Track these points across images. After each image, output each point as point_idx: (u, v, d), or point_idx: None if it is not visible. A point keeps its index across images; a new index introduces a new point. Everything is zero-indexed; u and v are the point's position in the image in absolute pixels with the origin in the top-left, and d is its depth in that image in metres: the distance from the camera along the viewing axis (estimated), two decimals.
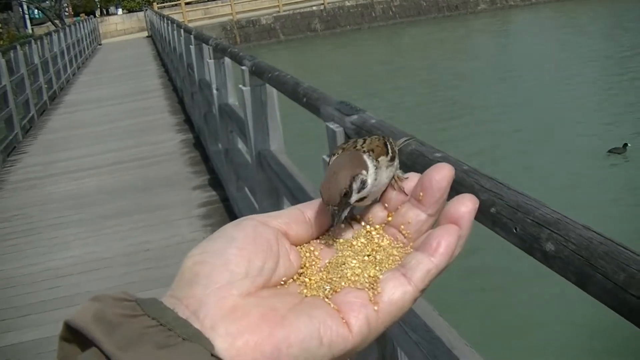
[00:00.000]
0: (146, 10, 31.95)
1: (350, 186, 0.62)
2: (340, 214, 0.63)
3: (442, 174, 0.59)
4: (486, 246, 5.28)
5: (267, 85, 3.72)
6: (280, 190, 3.70)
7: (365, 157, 0.65)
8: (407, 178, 0.65)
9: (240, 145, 5.58)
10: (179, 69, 10.83)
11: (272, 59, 20.33)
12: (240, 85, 4.11)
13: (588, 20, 23.19)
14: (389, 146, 0.69)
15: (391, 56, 20.71)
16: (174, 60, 11.83)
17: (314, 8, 29.35)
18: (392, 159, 0.68)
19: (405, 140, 0.83)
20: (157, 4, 33.09)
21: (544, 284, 5.35)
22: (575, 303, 4.72)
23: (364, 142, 0.67)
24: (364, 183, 0.63)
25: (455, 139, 10.56)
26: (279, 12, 29.46)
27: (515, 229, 1.13)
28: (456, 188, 1.36)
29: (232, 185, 5.62)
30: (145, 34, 31.47)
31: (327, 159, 0.70)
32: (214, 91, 5.91)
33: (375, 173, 0.65)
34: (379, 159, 0.65)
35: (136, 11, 37.83)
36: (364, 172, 0.63)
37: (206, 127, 7.24)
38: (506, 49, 19.98)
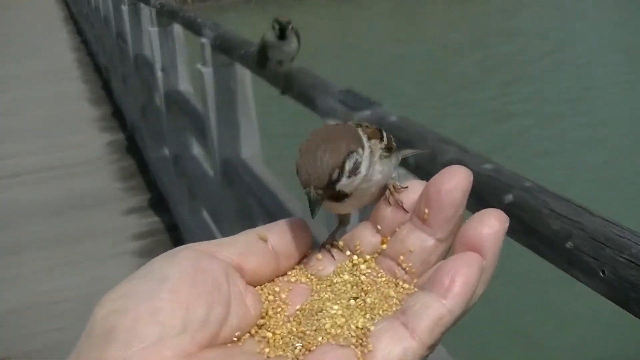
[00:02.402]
0: None
1: (344, 164, 0.65)
2: (320, 202, 0.65)
3: (454, 182, 0.61)
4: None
5: (238, 65, 3.77)
6: (255, 214, 3.74)
7: (360, 132, 0.68)
8: (406, 188, 0.68)
9: (197, 150, 5.62)
10: (103, 39, 10.85)
11: (244, 26, 20.37)
12: (199, 65, 4.14)
13: None
14: (384, 135, 0.72)
15: (412, 31, 20.83)
16: (96, 26, 11.84)
17: None
18: (389, 151, 0.71)
19: (415, 152, 0.87)
20: None
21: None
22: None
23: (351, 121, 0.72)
24: (357, 166, 0.66)
25: (504, 144, 10.67)
26: None
27: (603, 272, 1.17)
28: (516, 213, 1.41)
29: (183, 207, 5.64)
30: None
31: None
32: (158, 73, 5.94)
33: (369, 159, 0.68)
34: (372, 142, 0.69)
35: None
36: (359, 150, 0.66)
37: (145, 124, 7.26)
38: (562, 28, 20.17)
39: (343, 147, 0.65)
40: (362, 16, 24.51)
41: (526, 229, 1.38)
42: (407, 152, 0.83)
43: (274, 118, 7.97)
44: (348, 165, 0.65)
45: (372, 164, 0.68)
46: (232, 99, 3.98)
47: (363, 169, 0.67)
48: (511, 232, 1.40)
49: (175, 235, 5.84)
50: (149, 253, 5.62)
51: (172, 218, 6.07)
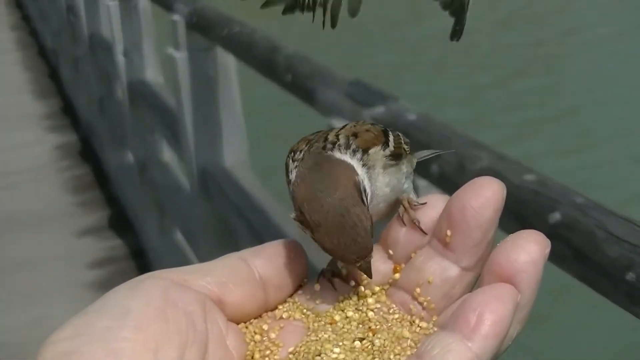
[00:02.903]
0: None
1: (368, 211, 0.66)
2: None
3: (483, 197, 0.62)
4: None
5: (220, 49, 3.79)
6: (239, 235, 3.75)
7: (339, 155, 0.69)
8: (424, 204, 0.69)
9: (169, 155, 5.63)
10: (49, 14, 10.88)
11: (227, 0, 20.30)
12: (170, 49, 4.17)
13: None
14: (390, 138, 0.74)
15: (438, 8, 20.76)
16: None
17: None
18: (396, 158, 0.73)
19: (434, 153, 0.90)
20: None
21: None
22: None
23: (341, 130, 0.73)
24: (365, 192, 0.67)
25: (543, 150, 10.73)
26: None
27: None
28: (564, 236, 1.43)
29: (151, 227, 5.66)
30: None
31: (292, 168, 0.74)
32: (119, 58, 5.97)
33: (367, 177, 0.70)
34: (369, 152, 0.70)
35: None
36: (357, 177, 0.67)
37: (103, 122, 7.29)
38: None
39: (357, 195, 0.67)
40: None
41: (576, 255, 1.40)
42: (425, 154, 0.84)
43: (264, 116, 7.95)
44: (365, 201, 0.68)
45: (373, 180, 0.69)
46: (212, 91, 4.00)
47: (367, 187, 0.68)
48: (558, 258, 1.42)
49: (141, 262, 5.85)
50: (107, 285, 5.60)
51: (137, 241, 6.09)
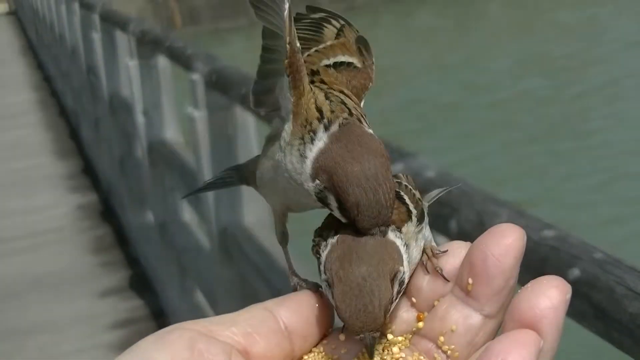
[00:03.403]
0: None
1: (393, 294, 0.67)
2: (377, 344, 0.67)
3: (504, 245, 0.63)
4: None
5: (238, 108, 3.82)
6: (261, 295, 3.74)
7: (394, 237, 0.70)
8: (445, 252, 0.70)
9: (189, 215, 5.64)
10: (71, 74, 10.99)
11: (244, 56, 20.38)
12: (189, 108, 4.20)
13: None
14: (407, 200, 0.74)
15: (461, 39, 20.88)
16: (62, 58, 11.99)
17: None
18: (421, 220, 0.74)
19: (444, 191, 0.90)
20: None
21: None
22: None
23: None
24: (402, 282, 0.68)
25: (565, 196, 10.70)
26: None
27: None
28: (583, 292, 1.42)
29: (171, 288, 5.66)
30: (4, 7, 31.77)
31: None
32: (139, 117, 6.01)
33: (407, 258, 0.71)
34: (403, 230, 0.71)
35: None
36: (402, 267, 0.69)
37: (123, 182, 7.33)
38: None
39: (388, 273, 0.67)
40: (395, 23, 24.62)
41: (597, 312, 1.39)
42: (433, 195, 0.85)
43: None
44: (396, 288, 0.68)
45: (411, 257, 0.71)
46: (232, 150, 4.01)
47: (406, 278, 0.69)
48: (579, 315, 1.42)
49: (162, 322, 5.83)
50: (129, 346, 5.59)
51: (157, 301, 6.09)
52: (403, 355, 0.66)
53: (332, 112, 0.72)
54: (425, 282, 0.68)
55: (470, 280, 0.64)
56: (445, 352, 0.65)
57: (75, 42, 9.86)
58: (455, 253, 0.67)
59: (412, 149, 2.26)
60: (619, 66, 17.09)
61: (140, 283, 6.48)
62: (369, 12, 27.98)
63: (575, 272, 1.46)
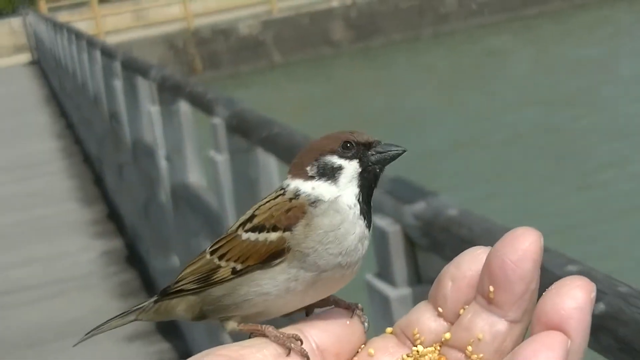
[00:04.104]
0: (26, 13, 32.07)
1: None
2: None
3: (521, 250, 0.63)
4: None
5: (260, 150, 3.84)
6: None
7: None
8: None
9: None
10: (93, 121, 11.09)
11: (264, 99, 20.48)
12: (211, 152, 4.23)
13: None
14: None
15: (482, 86, 20.91)
16: (84, 106, 12.11)
17: (334, 4, 29.88)
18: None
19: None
20: (47, 2, 32.11)
21: None
22: None
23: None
24: None
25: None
26: (271, 13, 30.05)
27: None
28: (609, 327, 1.42)
29: (198, 331, 5.66)
30: (27, 57, 32.06)
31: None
32: (162, 162, 6.05)
33: None
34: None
35: (6, 15, 38.16)
36: None
37: (148, 227, 7.36)
38: None
39: None
40: (409, 69, 24.64)
41: (623, 346, 1.39)
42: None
43: None
44: None
45: None
46: (254, 192, 4.03)
47: None
48: (604, 349, 1.42)
49: None
50: None
51: (185, 344, 6.10)
52: None
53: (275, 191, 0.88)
54: (449, 291, 0.68)
55: (491, 289, 0.64)
56: None
57: (97, 89, 9.95)
58: (476, 259, 0.67)
59: (432, 188, 2.28)
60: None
61: (167, 326, 6.49)
62: (385, 53, 28.09)
63: (600, 307, 1.46)
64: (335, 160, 0.86)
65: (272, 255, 0.81)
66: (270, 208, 0.85)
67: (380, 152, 0.86)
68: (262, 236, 0.82)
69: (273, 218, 0.83)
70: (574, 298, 0.59)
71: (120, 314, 0.97)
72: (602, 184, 12.78)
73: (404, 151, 0.86)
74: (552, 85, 19.88)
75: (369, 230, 0.83)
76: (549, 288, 0.60)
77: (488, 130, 16.55)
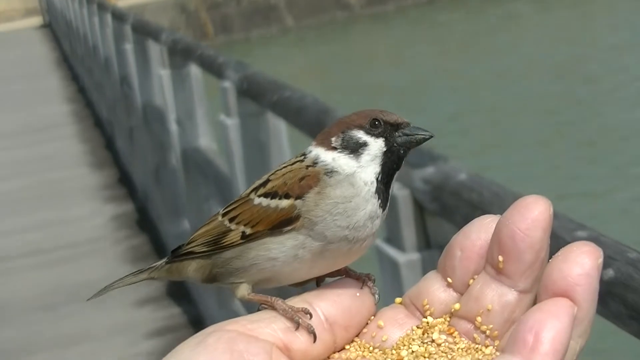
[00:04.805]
0: None
1: None
2: None
3: (530, 219, 0.62)
4: None
5: (270, 114, 3.83)
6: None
7: None
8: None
9: None
10: (104, 85, 11.08)
11: (276, 64, 20.42)
12: (222, 116, 4.22)
13: None
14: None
15: (500, 47, 20.78)
16: (95, 70, 12.10)
17: None
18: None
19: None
20: None
21: None
22: None
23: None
24: None
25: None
26: None
27: None
28: (618, 293, 1.41)
29: (209, 295, 5.67)
30: (39, 20, 32.04)
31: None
32: (172, 126, 6.04)
33: None
34: None
35: None
36: None
37: (159, 191, 7.37)
38: None
39: None
40: (427, 32, 24.51)
41: (632, 312, 1.38)
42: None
43: None
44: None
45: None
46: (265, 156, 4.02)
47: None
48: (613, 316, 1.41)
49: (199, 329, 5.82)
50: (167, 354, 5.62)
51: (195, 309, 6.12)
52: (443, 337, 0.66)
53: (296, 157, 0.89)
54: (457, 261, 0.67)
55: (500, 258, 0.63)
56: (484, 332, 0.64)
57: (108, 53, 9.94)
58: (485, 228, 0.66)
59: (443, 152, 2.27)
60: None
61: (178, 291, 6.51)
62: (399, 17, 27.97)
63: (610, 273, 1.45)
64: (361, 135, 0.85)
65: (282, 222, 0.81)
66: (284, 174, 0.85)
67: (407, 135, 0.86)
68: (273, 202, 0.82)
69: (286, 186, 0.83)
70: (580, 264, 0.59)
71: (133, 272, 0.98)
72: (617, 152, 12.73)
73: (431, 136, 0.86)
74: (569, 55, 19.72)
75: (384, 211, 0.83)
76: (556, 254, 0.60)
77: (502, 97, 16.48)
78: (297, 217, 0.80)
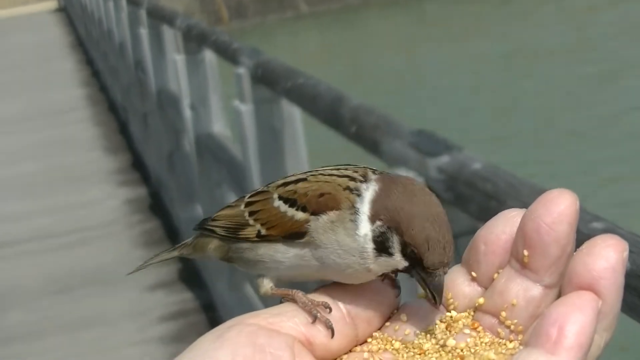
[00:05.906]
0: None
1: None
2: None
3: (556, 212, 0.61)
4: None
5: (285, 101, 3.83)
6: (309, 288, 3.74)
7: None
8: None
9: None
10: (119, 70, 11.09)
11: (290, 50, 20.43)
12: (236, 102, 4.22)
13: None
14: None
15: (526, 27, 20.71)
16: (110, 54, 12.12)
17: None
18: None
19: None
20: None
21: None
22: None
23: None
24: None
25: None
26: None
27: None
28: (633, 285, 1.40)
29: (221, 281, 5.68)
30: (54, 4, 32.14)
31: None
32: (186, 112, 6.04)
33: None
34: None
35: None
36: None
37: (172, 176, 7.38)
38: None
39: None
40: (446, 18, 24.45)
41: None
42: None
43: (331, 164, 8.03)
44: None
45: None
46: (278, 143, 4.02)
47: None
48: (629, 308, 1.40)
49: (212, 316, 5.86)
50: (179, 339, 5.64)
51: (208, 295, 6.12)
52: (467, 331, 0.66)
53: (356, 171, 0.77)
54: (482, 255, 0.66)
55: (525, 252, 0.63)
56: (508, 327, 0.64)
57: (123, 37, 9.95)
58: (510, 221, 0.65)
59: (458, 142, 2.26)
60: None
61: (190, 276, 6.52)
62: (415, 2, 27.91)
63: (626, 265, 1.44)
64: (395, 247, 0.74)
65: (295, 234, 0.78)
66: (318, 181, 0.80)
67: (424, 279, 0.73)
68: (290, 211, 0.79)
69: (306, 197, 0.79)
70: (605, 258, 0.58)
71: (167, 250, 0.97)
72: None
73: (434, 309, 0.75)
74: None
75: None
76: (580, 248, 0.59)
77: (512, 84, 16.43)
78: (306, 232, 0.77)
